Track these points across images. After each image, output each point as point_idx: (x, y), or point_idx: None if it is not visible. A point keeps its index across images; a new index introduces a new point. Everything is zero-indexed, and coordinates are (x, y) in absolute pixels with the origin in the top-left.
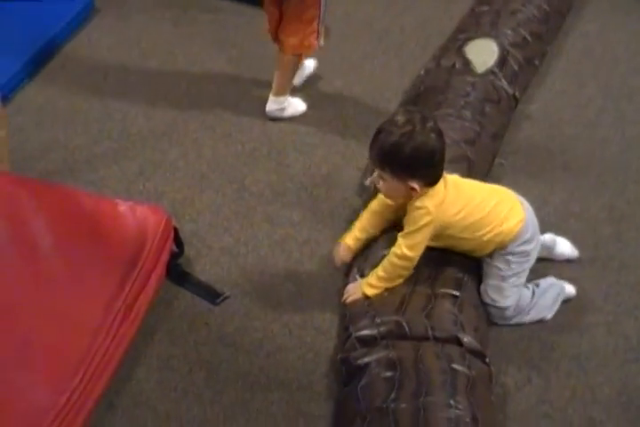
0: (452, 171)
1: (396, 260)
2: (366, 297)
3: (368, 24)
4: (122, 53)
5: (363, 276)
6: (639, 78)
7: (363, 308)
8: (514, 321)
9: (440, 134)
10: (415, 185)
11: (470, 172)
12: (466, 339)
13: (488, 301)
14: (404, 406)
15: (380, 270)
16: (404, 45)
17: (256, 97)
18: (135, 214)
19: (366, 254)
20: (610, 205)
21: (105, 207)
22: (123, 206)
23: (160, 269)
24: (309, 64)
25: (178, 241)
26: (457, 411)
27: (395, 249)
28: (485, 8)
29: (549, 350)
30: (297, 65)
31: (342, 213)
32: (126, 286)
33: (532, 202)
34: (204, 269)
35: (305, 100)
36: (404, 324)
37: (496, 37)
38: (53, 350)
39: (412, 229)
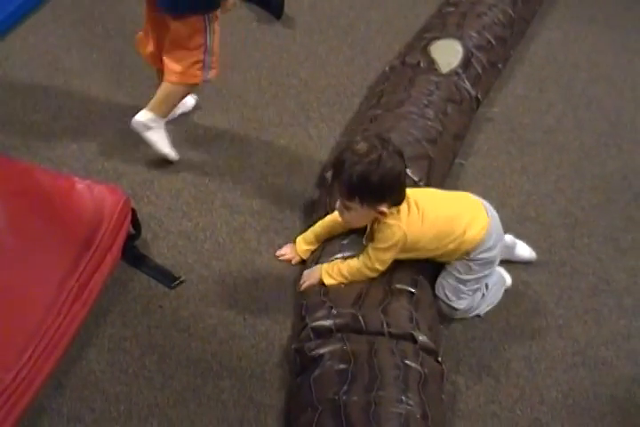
0: (414, 169)
1: (365, 270)
2: (322, 285)
3: (334, 18)
4: (86, 30)
5: (318, 263)
6: (598, 87)
7: (320, 298)
8: (459, 316)
9: (402, 155)
10: (384, 209)
11: (430, 170)
12: (421, 337)
13: (442, 296)
14: (355, 398)
15: (344, 270)
16: (370, 41)
17: (218, 84)
18: (93, 193)
19: (324, 245)
20: (565, 211)
21: (62, 184)
22: (80, 184)
23: (116, 249)
24: (189, 101)
25: (135, 223)
26: (408, 407)
27: (365, 260)
28: (452, 9)
29: (500, 350)
30: (179, 96)
31: (301, 204)
32: (80, 265)
33: (490, 204)
34: (160, 253)
35: (267, 91)
36: (360, 318)
37: (461, 39)
38: (0, 326)
39: (383, 245)
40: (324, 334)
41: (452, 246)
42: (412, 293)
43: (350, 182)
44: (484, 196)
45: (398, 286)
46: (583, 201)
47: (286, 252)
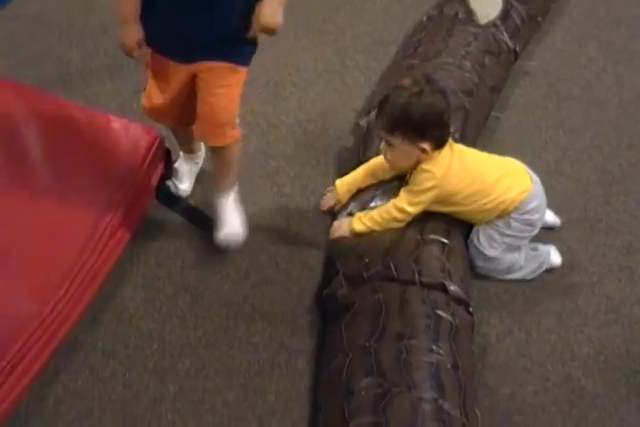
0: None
1: (394, 210)
2: (354, 233)
3: None
4: None
5: (351, 215)
6: (639, 42)
7: (352, 246)
8: (492, 274)
9: (445, 96)
10: (426, 146)
11: (466, 122)
12: (452, 287)
13: (474, 240)
14: (386, 346)
15: (375, 214)
16: None
17: None
18: (128, 132)
19: (357, 197)
20: (602, 168)
21: (98, 122)
22: (116, 123)
23: (150, 189)
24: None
25: (168, 164)
26: (438, 356)
27: (396, 201)
28: None
29: (532, 305)
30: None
31: (335, 152)
32: (115, 203)
33: (524, 158)
34: (195, 195)
35: (303, 37)
36: (392, 266)
37: None
38: (37, 259)
39: (416, 188)
40: (355, 281)
41: (489, 206)
42: (444, 243)
43: (392, 115)
44: (519, 150)
45: (431, 236)
46: (620, 158)
47: (327, 203)
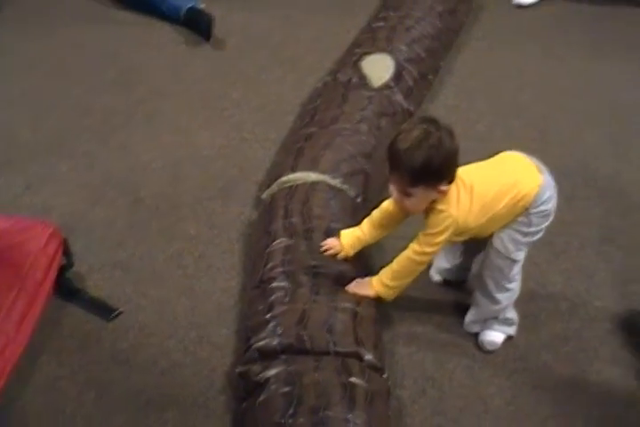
0: (350, 185)
1: (415, 256)
2: (378, 299)
3: (264, 37)
4: (6, 62)
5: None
6: (526, 95)
7: (264, 318)
8: (502, 282)
9: (453, 132)
10: (444, 187)
11: (367, 185)
12: (366, 355)
13: (501, 249)
14: (302, 420)
15: (394, 264)
16: (301, 59)
17: (149, 110)
18: (20, 229)
19: None
20: None
21: None
22: (7, 222)
23: (48, 285)
24: None
25: (68, 254)
26: (355, 426)
27: (414, 245)
28: (381, 23)
29: (444, 361)
30: None
31: (239, 227)
32: (12, 304)
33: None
34: (96, 285)
35: (199, 114)
36: (306, 338)
37: (391, 52)
38: None
39: (434, 231)
40: (268, 355)
41: (504, 211)
42: (355, 311)
43: (413, 170)
44: None
45: (342, 304)
46: None
47: (331, 244)
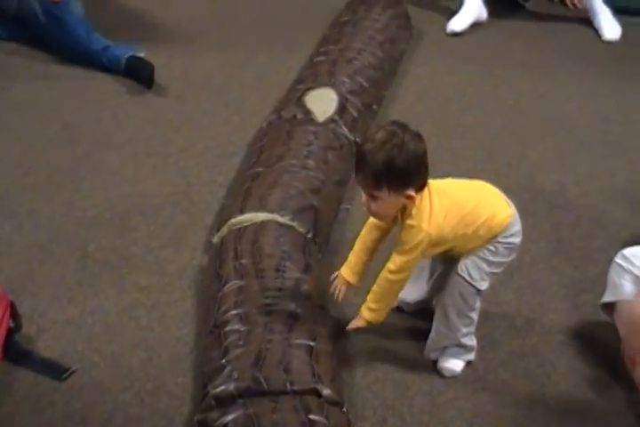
0: (299, 221)
1: (390, 275)
2: (369, 323)
3: (207, 80)
4: None
5: None
6: (470, 117)
7: (219, 363)
8: (466, 312)
9: (421, 137)
10: (412, 193)
11: (317, 220)
12: (325, 391)
13: (465, 276)
14: None
15: (375, 287)
16: (245, 99)
17: (93, 164)
18: None
19: None
20: None
21: None
22: None
23: None
24: None
25: (15, 317)
26: None
27: (389, 265)
28: (322, 58)
29: (403, 389)
30: None
31: (190, 274)
32: None
33: None
34: (47, 346)
35: (145, 163)
36: (262, 380)
37: (334, 86)
38: None
39: (407, 247)
40: (226, 401)
41: (481, 233)
42: (310, 346)
43: (376, 171)
44: None
45: (297, 341)
46: None
47: (335, 285)
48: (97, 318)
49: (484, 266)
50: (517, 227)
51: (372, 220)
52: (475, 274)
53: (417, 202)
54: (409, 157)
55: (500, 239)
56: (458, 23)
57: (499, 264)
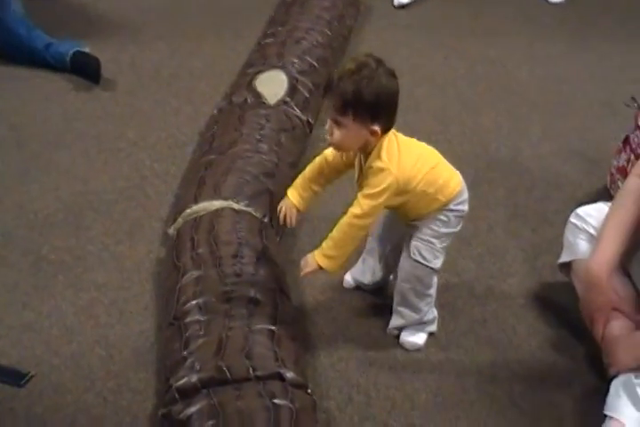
0: (255, 206)
1: (355, 220)
2: (320, 268)
3: (155, 71)
4: None
5: None
6: (423, 89)
7: (181, 355)
8: (421, 290)
9: (395, 75)
10: (377, 128)
11: (272, 204)
12: (288, 374)
13: (419, 259)
14: None
15: (334, 233)
16: (195, 88)
17: (43, 164)
18: None
19: None
20: None
21: None
22: None
23: None
24: None
25: None
26: None
27: (353, 210)
28: (270, 40)
29: (367, 365)
30: None
31: (147, 267)
32: None
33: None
34: (3, 353)
35: (96, 160)
36: (225, 368)
37: (284, 67)
38: None
39: (374, 191)
40: (189, 393)
41: (439, 196)
42: (272, 330)
43: (344, 95)
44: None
45: (258, 326)
46: None
47: (282, 211)
48: (54, 321)
49: (436, 242)
50: (466, 194)
51: (327, 152)
52: (427, 255)
53: (385, 145)
54: (379, 90)
55: (452, 206)
56: None
57: (448, 236)
